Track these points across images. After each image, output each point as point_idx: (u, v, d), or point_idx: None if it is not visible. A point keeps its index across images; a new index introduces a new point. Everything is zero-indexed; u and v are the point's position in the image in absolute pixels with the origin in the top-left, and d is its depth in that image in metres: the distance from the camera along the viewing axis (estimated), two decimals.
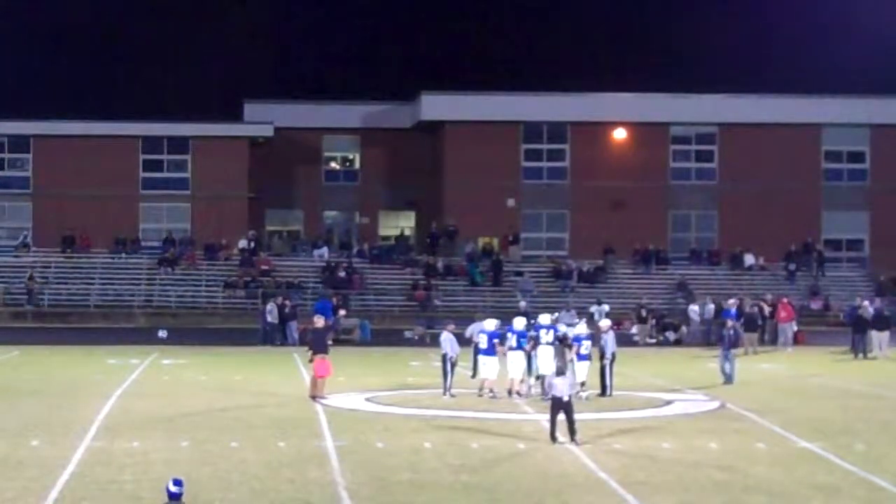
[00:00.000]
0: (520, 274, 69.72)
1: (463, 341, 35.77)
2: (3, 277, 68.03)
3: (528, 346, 33.94)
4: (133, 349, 49.01)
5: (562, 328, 34.83)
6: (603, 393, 34.25)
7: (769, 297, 57.46)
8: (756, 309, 53.08)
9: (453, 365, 34.45)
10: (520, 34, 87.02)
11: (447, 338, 34.72)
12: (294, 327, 54.50)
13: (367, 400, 33.42)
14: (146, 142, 73.49)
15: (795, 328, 54.84)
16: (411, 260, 71.79)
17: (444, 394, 34.05)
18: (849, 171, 75.23)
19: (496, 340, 34.50)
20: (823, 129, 74.79)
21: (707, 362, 43.21)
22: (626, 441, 26.53)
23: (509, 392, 33.82)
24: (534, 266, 71.52)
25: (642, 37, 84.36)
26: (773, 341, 54.08)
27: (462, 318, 42.75)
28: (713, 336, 49.50)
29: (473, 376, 35.93)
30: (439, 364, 34.89)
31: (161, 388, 36.34)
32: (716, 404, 33.02)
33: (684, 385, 37.63)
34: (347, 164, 78.33)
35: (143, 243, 72.02)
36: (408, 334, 57.97)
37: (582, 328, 34.93)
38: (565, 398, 25.76)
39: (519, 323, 34.53)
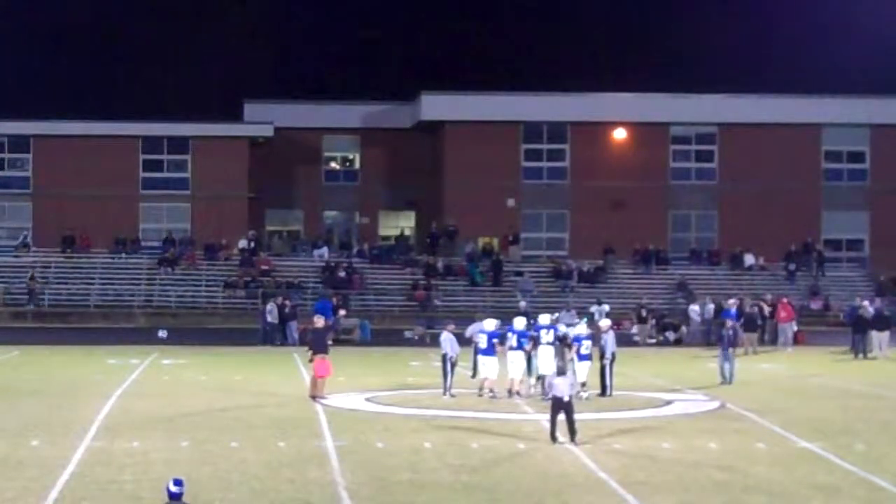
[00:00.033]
0: (520, 274, 69.73)
1: (463, 341, 35.75)
2: (3, 277, 68.03)
3: (527, 347, 33.95)
4: (133, 349, 49.01)
5: (562, 328, 34.84)
6: (603, 393, 34.25)
7: (769, 297, 57.46)
8: (756, 309, 53.07)
9: (453, 365, 34.46)
10: (520, 34, 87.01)
11: (447, 338, 34.72)
12: (294, 327, 54.50)
13: (367, 400, 33.42)
14: (146, 142, 73.50)
15: (795, 328, 54.85)
16: (411, 260, 71.80)
17: (444, 394, 34.05)
18: (849, 171, 75.23)
19: (496, 340, 34.51)
20: (823, 129, 74.80)
21: (707, 362, 43.20)
22: (626, 441, 26.53)
23: (509, 392, 33.83)
24: (534, 266, 71.53)
25: (642, 37, 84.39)
26: (773, 341, 54.09)
27: (462, 318, 42.73)
28: (713, 336, 49.50)
29: (473, 376, 35.93)
30: (439, 364, 34.89)
31: (161, 388, 36.33)
32: (716, 404, 33.02)
33: (684, 385, 37.63)
34: (347, 164, 78.34)
35: (143, 243, 72.04)
36: (408, 334, 57.97)
37: (582, 328, 34.93)
38: (566, 398, 25.77)
39: (519, 323, 34.53)
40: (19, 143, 73.28)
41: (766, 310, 54.87)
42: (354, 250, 72.72)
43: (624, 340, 48.60)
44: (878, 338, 49.20)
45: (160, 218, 73.51)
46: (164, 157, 73.89)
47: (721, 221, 74.50)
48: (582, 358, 33.63)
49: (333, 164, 78.14)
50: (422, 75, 76.55)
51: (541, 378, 33.51)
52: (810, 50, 79.72)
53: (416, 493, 21.30)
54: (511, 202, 73.70)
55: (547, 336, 33.79)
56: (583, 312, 50.62)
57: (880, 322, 49.69)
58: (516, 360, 33.93)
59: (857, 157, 75.26)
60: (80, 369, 41.79)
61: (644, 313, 58.65)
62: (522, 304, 54.21)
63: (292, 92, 77.16)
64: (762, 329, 53.23)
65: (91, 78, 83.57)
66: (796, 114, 74.17)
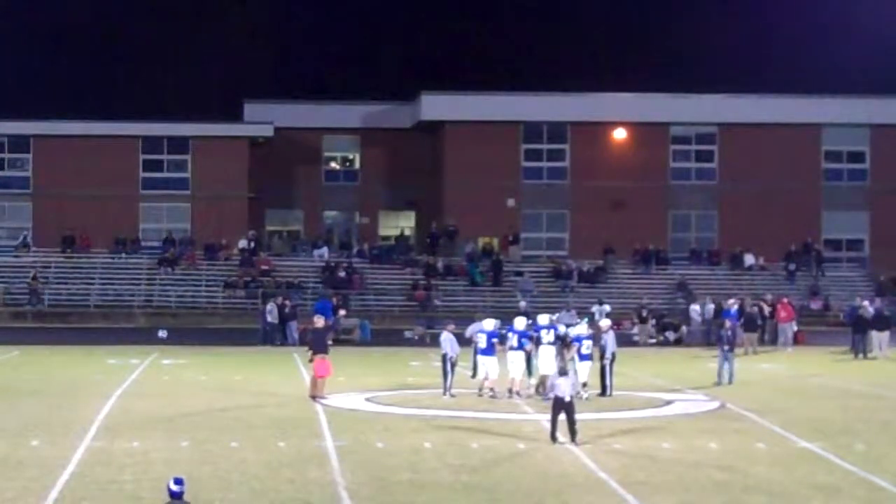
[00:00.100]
0: (520, 274, 69.72)
1: (463, 341, 35.75)
2: (3, 277, 68.02)
3: (528, 347, 33.95)
4: (133, 349, 49.01)
5: (561, 328, 34.84)
6: (603, 393, 34.26)
7: (769, 297, 57.46)
8: (756, 309, 53.08)
9: (453, 365, 34.46)
10: (520, 34, 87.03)
11: (447, 338, 34.72)
12: (294, 327, 54.51)
13: (367, 400, 33.42)
14: (146, 142, 73.49)
15: (795, 328, 54.85)
16: (411, 260, 71.79)
17: (444, 394, 34.05)
18: (849, 171, 75.23)
19: (495, 340, 34.52)
20: (823, 129, 74.80)
21: (707, 362, 43.19)
22: (626, 441, 26.53)
23: (509, 392, 33.83)
24: (534, 266, 71.52)
25: (642, 37, 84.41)
26: (773, 341, 54.10)
27: (462, 318, 42.71)
28: (713, 336, 49.51)
29: (473, 376, 35.94)
30: (439, 364, 34.89)
31: (161, 388, 36.33)
32: (716, 404, 33.02)
33: (684, 385, 37.63)
34: (347, 164, 78.34)
35: (143, 243, 72.04)
36: (408, 334, 57.97)
37: (582, 328, 34.94)
38: (567, 398, 25.76)
39: (520, 323, 34.54)
40: (19, 143, 73.28)
41: (766, 310, 54.88)
42: (354, 250, 72.71)
43: (624, 340, 48.57)
44: (878, 338, 49.21)
45: (160, 218, 73.51)
46: (164, 157, 73.89)
47: (721, 221, 74.50)
48: (583, 358, 33.64)
49: (333, 164, 78.14)
50: (422, 75, 76.57)
51: (541, 378, 33.50)
52: (810, 50, 79.77)
53: (416, 493, 21.30)
54: (511, 202, 73.69)
55: (547, 336, 33.80)
56: (583, 312, 50.61)
57: (880, 322, 49.69)
58: (516, 360, 33.94)
59: (857, 157, 75.25)
60: (80, 369, 41.79)
61: (644, 313, 58.64)
62: (522, 304, 54.23)
63: (292, 92, 77.15)
64: (762, 329, 53.24)
65: (91, 78, 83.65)
66: (796, 114, 74.17)
